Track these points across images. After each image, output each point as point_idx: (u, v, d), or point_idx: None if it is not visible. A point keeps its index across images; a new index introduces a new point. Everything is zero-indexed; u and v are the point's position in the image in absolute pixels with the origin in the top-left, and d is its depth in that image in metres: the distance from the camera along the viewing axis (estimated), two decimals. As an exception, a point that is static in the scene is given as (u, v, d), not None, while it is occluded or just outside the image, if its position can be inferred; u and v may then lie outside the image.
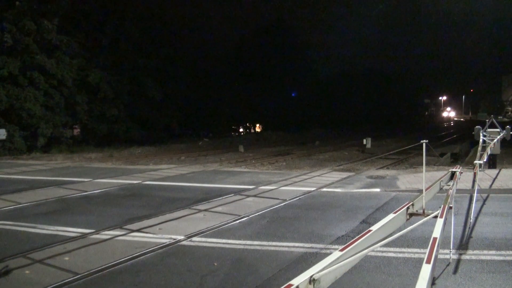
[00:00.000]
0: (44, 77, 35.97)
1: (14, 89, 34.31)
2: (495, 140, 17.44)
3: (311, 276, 3.39)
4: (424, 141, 6.42)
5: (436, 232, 4.44)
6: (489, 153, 15.39)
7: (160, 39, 51.22)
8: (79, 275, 7.39)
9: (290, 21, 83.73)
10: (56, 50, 37.48)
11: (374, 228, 4.64)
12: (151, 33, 50.05)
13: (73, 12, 40.51)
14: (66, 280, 7.20)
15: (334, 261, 3.72)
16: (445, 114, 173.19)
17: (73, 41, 38.81)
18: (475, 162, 11.32)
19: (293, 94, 75.12)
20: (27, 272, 7.65)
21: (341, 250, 3.97)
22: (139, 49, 47.71)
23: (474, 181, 12.07)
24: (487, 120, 22.49)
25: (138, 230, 10.29)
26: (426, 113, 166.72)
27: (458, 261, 7.81)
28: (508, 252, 8.28)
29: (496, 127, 20.96)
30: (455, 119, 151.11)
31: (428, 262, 3.69)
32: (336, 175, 19.66)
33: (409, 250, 8.44)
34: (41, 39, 36.15)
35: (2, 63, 33.76)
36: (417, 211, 5.86)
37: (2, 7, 34.78)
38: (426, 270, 3.54)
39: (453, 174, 7.88)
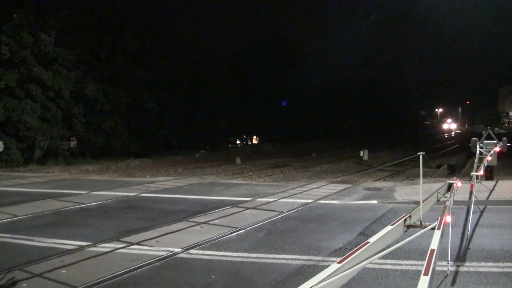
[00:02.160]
0: (41, 89, 35.95)
1: (11, 101, 34.27)
2: (492, 152, 17.49)
3: None
4: (421, 153, 6.44)
5: (434, 244, 4.44)
6: (486, 164, 15.43)
7: (157, 51, 51.30)
8: (76, 288, 7.37)
9: (286, 33, 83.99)
10: (53, 63, 37.47)
11: (371, 240, 4.65)
12: (148, 46, 50.15)
13: (70, 25, 40.59)
14: (63, 293, 7.19)
15: (332, 273, 3.72)
16: (445, 126, 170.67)
17: (70, 53, 38.80)
18: (472, 173, 11.34)
19: (283, 103, 74.97)
20: (24, 285, 7.61)
21: (339, 262, 3.97)
22: (136, 61, 47.73)
23: (471, 192, 12.10)
24: (484, 132, 22.58)
25: (135, 243, 10.26)
26: (428, 122, 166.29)
27: (456, 273, 7.80)
28: (505, 264, 8.28)
29: (493, 139, 21.03)
30: (457, 131, 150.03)
31: (426, 274, 3.69)
32: (333, 187, 19.66)
33: (407, 262, 8.43)
34: (38, 51, 36.18)
35: (0, 75, 33.75)
36: (414, 223, 5.88)
37: (0, 20, 34.84)
38: (424, 282, 3.54)
39: (450, 186, 7.89)
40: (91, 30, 44.38)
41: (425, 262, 3.94)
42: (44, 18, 37.22)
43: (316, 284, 3.44)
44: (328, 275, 3.66)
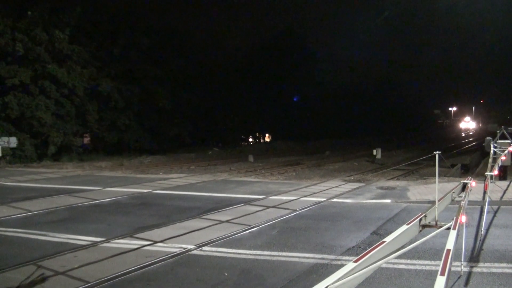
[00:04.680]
0: (55, 86, 36.22)
1: (25, 98, 34.57)
2: (506, 152, 17.36)
3: (326, 287, 3.38)
4: (437, 152, 6.40)
5: (450, 244, 4.41)
6: (500, 164, 15.32)
7: (170, 49, 51.38)
8: (90, 284, 7.41)
9: (300, 31, 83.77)
10: (67, 60, 37.74)
11: (387, 239, 4.62)
12: (161, 43, 50.24)
13: (84, 22, 40.79)
14: (77, 289, 7.23)
15: (348, 272, 3.72)
16: (463, 125, 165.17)
17: (84, 50, 39.06)
18: (486, 173, 11.26)
19: (295, 100, 74.84)
20: (38, 280, 7.66)
21: (355, 261, 3.96)
22: (149, 58, 47.85)
23: (485, 192, 12.01)
24: (498, 131, 22.43)
25: (148, 239, 10.29)
26: (446, 121, 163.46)
27: (470, 273, 7.76)
28: (519, 265, 8.22)
29: (507, 138, 20.88)
30: (474, 130, 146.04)
31: (442, 274, 3.67)
32: (346, 186, 19.61)
33: (420, 262, 8.40)
34: (52, 48, 36.45)
35: (14, 72, 34.04)
36: (429, 222, 5.84)
37: (14, 17, 35.09)
38: (440, 282, 3.52)
39: (465, 186, 7.84)
40: (105, 28, 44.56)
41: (441, 262, 3.92)
42: (58, 16, 37.48)
43: (332, 283, 3.44)
44: (344, 274, 3.66)
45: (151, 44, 48.31)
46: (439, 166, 6.70)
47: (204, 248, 9.60)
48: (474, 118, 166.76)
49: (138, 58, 46.55)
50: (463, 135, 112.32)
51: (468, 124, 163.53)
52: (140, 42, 46.76)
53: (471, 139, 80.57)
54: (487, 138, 21.07)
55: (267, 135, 75.58)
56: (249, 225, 11.60)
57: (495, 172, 13.59)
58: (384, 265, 7.33)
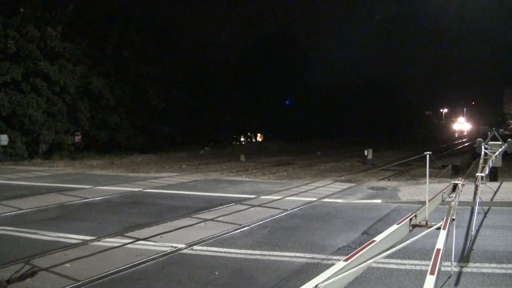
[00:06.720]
0: (47, 83, 36.01)
1: (16, 95, 34.33)
2: (497, 153, 17.43)
3: (316, 286, 3.38)
4: (428, 152, 6.42)
5: (440, 244, 4.43)
6: (490, 165, 15.38)
7: (163, 48, 51.34)
8: (80, 282, 7.38)
9: (292, 31, 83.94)
10: (59, 57, 37.55)
11: (377, 238, 4.64)
12: (154, 42, 50.19)
13: (77, 20, 40.61)
14: (67, 287, 7.19)
15: (338, 271, 3.72)
16: (456, 126, 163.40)
17: (76, 48, 38.90)
18: (477, 174, 11.30)
19: (288, 102, 74.95)
20: (28, 278, 7.63)
21: (345, 260, 3.97)
22: (142, 57, 47.81)
23: (475, 193, 12.05)
24: (489, 133, 22.52)
25: (139, 238, 10.27)
26: (441, 122, 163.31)
27: (460, 273, 7.79)
28: (509, 266, 8.25)
29: (497, 140, 20.97)
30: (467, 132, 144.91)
31: (432, 273, 3.68)
32: (338, 186, 19.64)
33: (410, 262, 8.42)
34: (44, 46, 36.26)
35: (6, 69, 33.81)
36: (420, 222, 5.86)
37: (6, 13, 34.91)
38: (430, 282, 3.53)
39: (455, 186, 7.87)
40: (98, 25, 44.44)
41: (431, 262, 3.93)
42: (50, 13, 37.27)
43: (322, 282, 3.44)
44: (334, 273, 3.66)
45: (144, 43, 48.26)
46: (430, 167, 6.71)
47: (195, 247, 9.59)
48: (466, 119, 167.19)
49: (130, 56, 46.50)
50: (456, 136, 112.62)
51: (462, 125, 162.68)
52: (132, 40, 46.69)
53: (464, 139, 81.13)
54: (478, 139, 21.13)
55: (258, 135, 75.61)
56: (240, 225, 11.60)
57: (486, 173, 13.65)
58: (374, 265, 7.37)
